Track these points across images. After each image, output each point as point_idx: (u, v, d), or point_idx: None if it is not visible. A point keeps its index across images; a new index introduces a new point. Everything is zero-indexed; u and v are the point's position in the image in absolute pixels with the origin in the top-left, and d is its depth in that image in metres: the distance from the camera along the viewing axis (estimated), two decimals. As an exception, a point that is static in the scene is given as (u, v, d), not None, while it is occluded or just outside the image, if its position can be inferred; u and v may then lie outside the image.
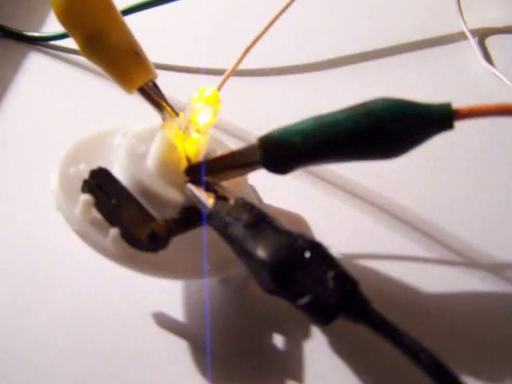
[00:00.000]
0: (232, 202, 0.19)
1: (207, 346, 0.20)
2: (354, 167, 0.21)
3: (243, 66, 0.25)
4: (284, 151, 0.19)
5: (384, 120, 0.19)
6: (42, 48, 0.33)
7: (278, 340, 0.21)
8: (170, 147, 0.20)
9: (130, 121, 0.23)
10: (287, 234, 0.18)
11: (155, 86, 0.22)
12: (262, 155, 0.19)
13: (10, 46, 0.33)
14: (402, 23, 0.34)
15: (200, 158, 0.20)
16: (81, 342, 0.21)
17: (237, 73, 0.25)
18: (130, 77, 0.21)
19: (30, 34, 0.34)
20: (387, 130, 0.19)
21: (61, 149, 0.26)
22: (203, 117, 0.19)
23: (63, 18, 0.21)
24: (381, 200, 0.25)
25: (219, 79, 0.23)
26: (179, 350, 0.21)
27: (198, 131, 0.20)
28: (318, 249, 0.18)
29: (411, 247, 0.23)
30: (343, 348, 0.20)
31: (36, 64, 0.33)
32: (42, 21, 0.35)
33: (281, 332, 0.21)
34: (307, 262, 0.18)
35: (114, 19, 0.21)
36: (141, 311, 0.22)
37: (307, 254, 0.18)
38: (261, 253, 0.18)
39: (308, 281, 0.17)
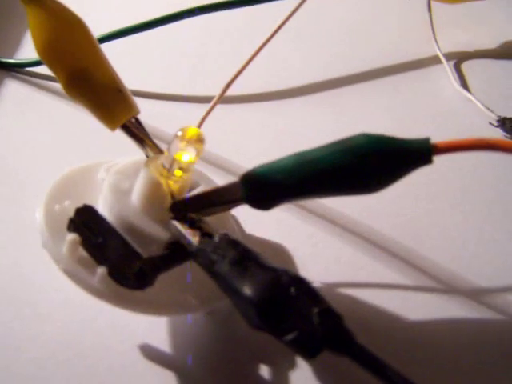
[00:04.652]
0: (217, 238, 0.19)
1: None
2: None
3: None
4: (266, 188, 0.19)
5: (364, 157, 0.19)
6: (18, 75, 0.33)
7: (265, 370, 0.21)
8: (155, 184, 0.20)
9: (111, 152, 0.23)
10: (272, 270, 0.18)
11: (137, 121, 0.22)
12: (245, 192, 0.19)
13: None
14: (374, 48, 0.35)
15: (184, 194, 0.21)
16: (70, 379, 0.21)
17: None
18: (112, 115, 0.21)
19: (5, 60, 0.33)
20: (367, 166, 0.19)
21: (42, 182, 0.26)
22: (187, 156, 0.20)
23: (46, 56, 0.21)
24: (360, 228, 0.25)
25: (200, 107, 0.23)
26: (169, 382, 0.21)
27: (181, 169, 0.20)
28: (302, 284, 0.18)
29: (392, 275, 0.24)
30: (328, 378, 0.21)
31: (12, 91, 0.32)
32: (16, 46, 0.35)
33: (267, 362, 0.21)
34: (292, 299, 0.18)
35: (98, 56, 0.21)
36: (129, 345, 0.21)
37: (292, 291, 0.18)
38: (247, 290, 0.18)
39: (293, 317, 0.18)
